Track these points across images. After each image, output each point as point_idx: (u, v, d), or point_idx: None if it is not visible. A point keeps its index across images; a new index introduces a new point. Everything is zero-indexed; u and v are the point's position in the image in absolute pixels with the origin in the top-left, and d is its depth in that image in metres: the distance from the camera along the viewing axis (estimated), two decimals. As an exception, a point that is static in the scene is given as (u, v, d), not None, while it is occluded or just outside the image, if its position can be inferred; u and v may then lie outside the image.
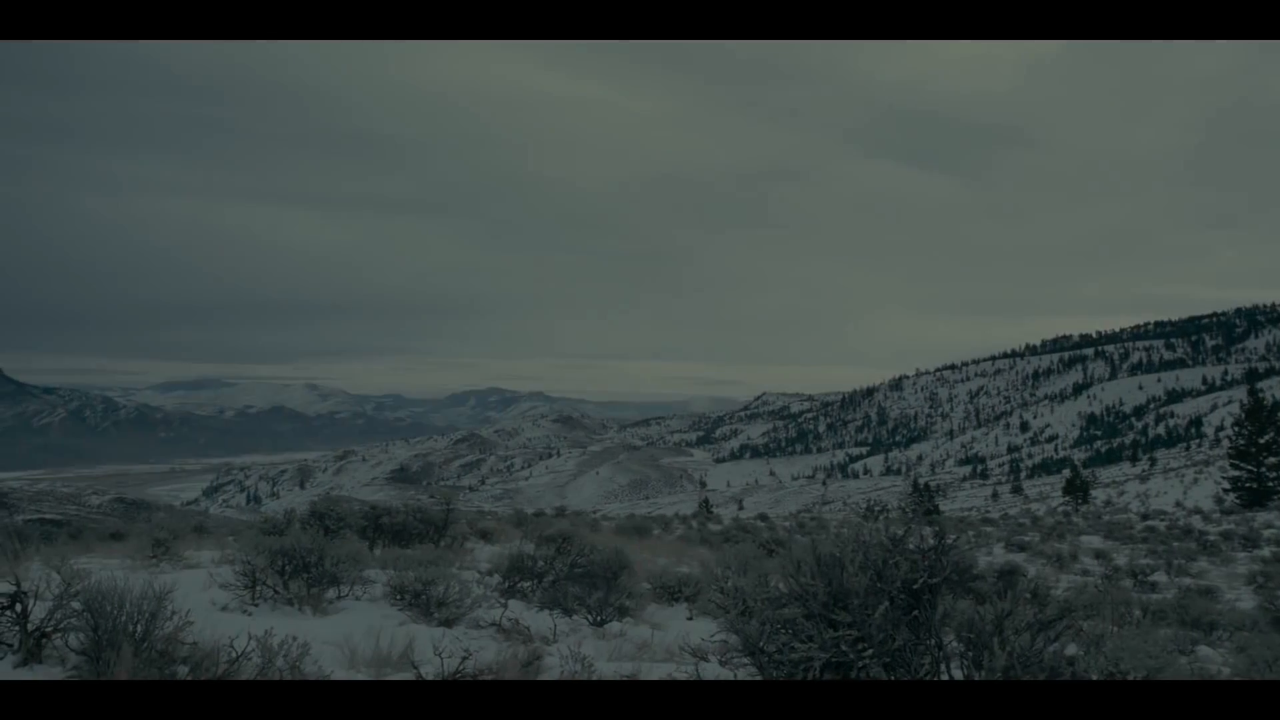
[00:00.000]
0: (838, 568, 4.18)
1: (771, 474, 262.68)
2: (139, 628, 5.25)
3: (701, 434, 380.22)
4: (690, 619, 10.49)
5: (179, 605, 5.90)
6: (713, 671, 6.61)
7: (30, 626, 5.45)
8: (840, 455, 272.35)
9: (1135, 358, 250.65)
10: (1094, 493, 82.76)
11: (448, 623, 8.32)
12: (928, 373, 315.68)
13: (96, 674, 5.09)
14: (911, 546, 4.23)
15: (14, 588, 5.56)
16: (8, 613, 5.49)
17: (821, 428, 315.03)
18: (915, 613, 4.19)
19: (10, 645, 5.40)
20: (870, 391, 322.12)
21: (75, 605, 5.45)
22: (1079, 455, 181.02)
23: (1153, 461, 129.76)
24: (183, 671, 5.31)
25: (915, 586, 4.13)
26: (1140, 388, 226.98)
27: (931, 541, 4.17)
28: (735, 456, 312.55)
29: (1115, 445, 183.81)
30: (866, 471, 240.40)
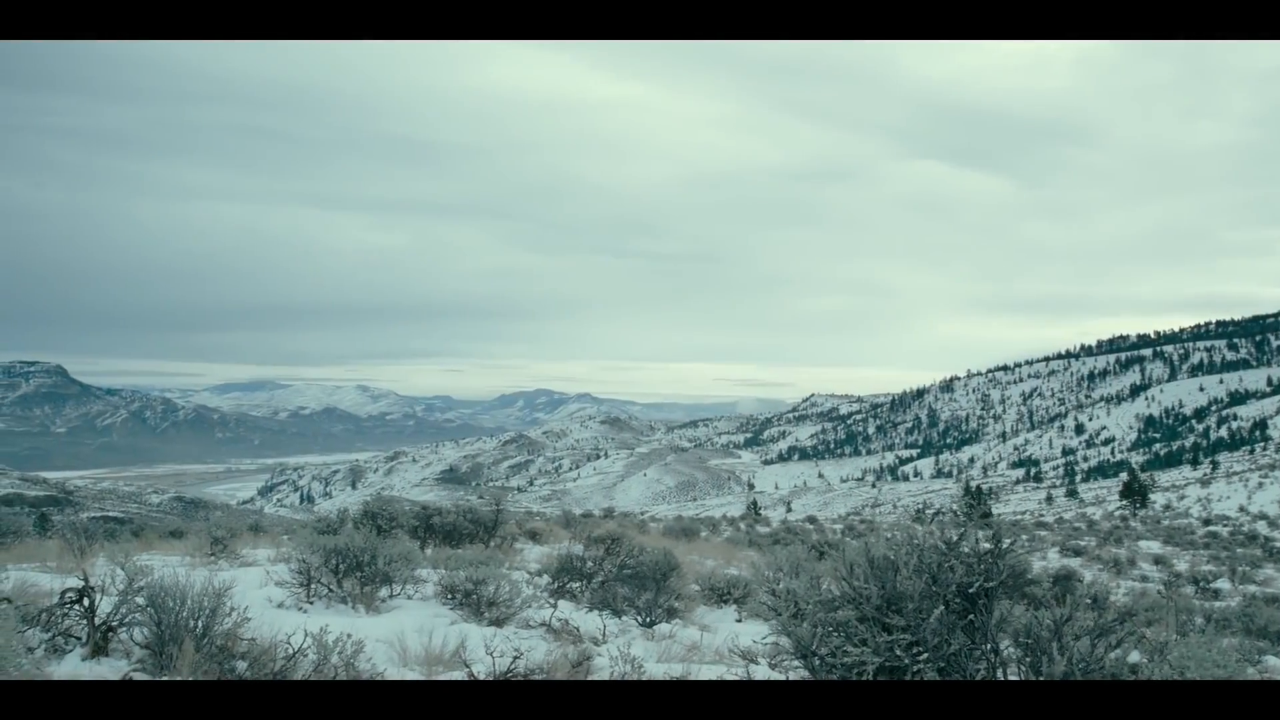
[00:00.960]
0: (891, 570, 4.13)
1: (820, 476, 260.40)
2: (200, 624, 5.38)
3: (749, 436, 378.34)
4: (739, 621, 10.45)
5: (237, 602, 6.03)
6: (763, 675, 6.57)
7: (97, 621, 5.61)
8: (890, 457, 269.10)
9: (1196, 358, 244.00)
10: (1153, 497, 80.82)
11: (498, 622, 8.38)
12: (979, 374, 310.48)
13: (159, 668, 5.22)
14: (966, 549, 4.17)
15: (82, 583, 5.73)
16: (76, 607, 5.65)
17: (871, 430, 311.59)
18: (970, 617, 4.13)
19: (79, 639, 5.56)
20: (920, 393, 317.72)
21: (139, 601, 5.59)
22: (1137, 458, 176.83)
23: (1215, 465, 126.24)
24: (241, 667, 5.42)
25: (971, 590, 4.07)
26: (1201, 389, 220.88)
27: (987, 545, 4.10)
28: (783, 458, 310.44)
29: (1175, 448, 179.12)
30: (917, 474, 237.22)
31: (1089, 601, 13.97)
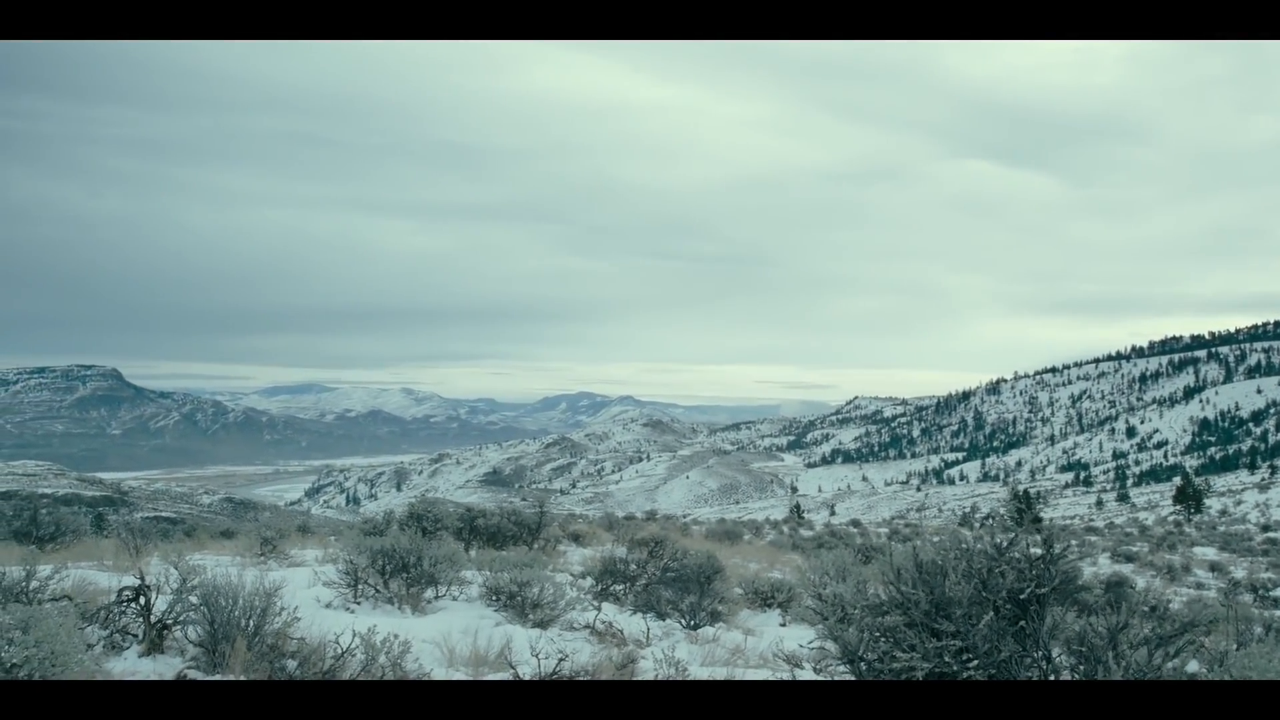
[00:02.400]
0: (940, 575, 4.08)
1: (864, 479, 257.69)
2: (251, 623, 5.47)
3: (792, 439, 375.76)
4: (784, 625, 10.38)
5: (286, 602, 6.13)
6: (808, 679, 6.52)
7: (153, 619, 5.73)
8: (935, 461, 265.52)
9: (1253, 359, 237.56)
10: (1208, 502, 78.84)
11: (542, 624, 8.41)
12: (1027, 376, 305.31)
13: (212, 666, 5.32)
14: (1017, 554, 4.10)
15: (138, 582, 5.85)
16: (133, 605, 5.78)
17: (915, 432, 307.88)
18: (1021, 624, 4.06)
19: (135, 636, 5.68)
20: (966, 395, 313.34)
21: (193, 600, 5.71)
22: (1191, 462, 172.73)
23: (1274, 469, 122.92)
24: (291, 666, 5.50)
25: (1022, 596, 4.00)
26: (1259, 391, 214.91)
27: (1039, 550, 4.03)
28: (827, 461, 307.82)
29: (1231, 452, 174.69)
30: (963, 478, 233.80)
31: (1146, 610, 13.67)
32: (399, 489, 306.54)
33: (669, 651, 7.26)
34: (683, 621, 9.33)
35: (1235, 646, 5.02)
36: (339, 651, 5.57)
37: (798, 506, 76.69)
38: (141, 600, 5.79)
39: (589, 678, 6.07)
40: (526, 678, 5.82)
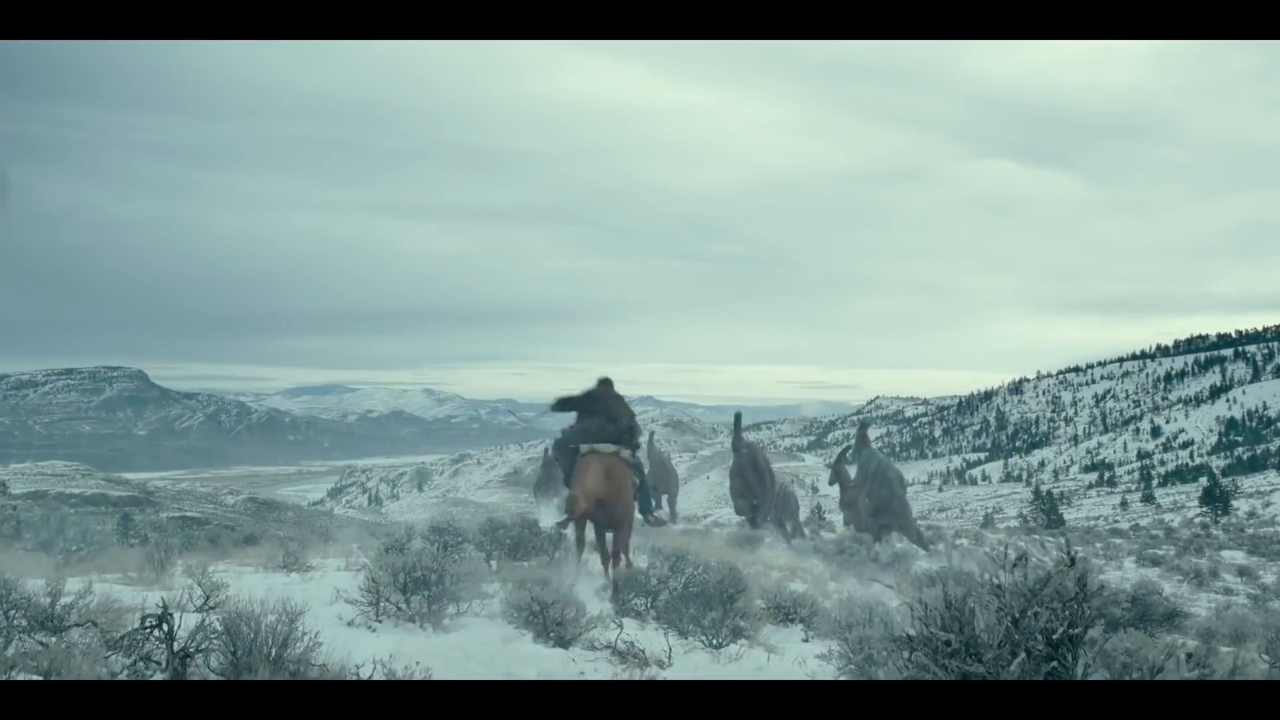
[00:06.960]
0: (970, 614, 4.00)
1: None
2: (273, 650, 5.46)
3: (813, 439, 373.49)
4: (806, 641, 10.30)
5: (308, 619, 6.14)
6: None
7: (175, 646, 5.72)
8: (957, 461, 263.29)
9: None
10: (1235, 503, 77.95)
11: (564, 642, 8.38)
12: (1049, 375, 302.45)
13: (235, 693, 5.30)
14: (1051, 593, 4.01)
15: (161, 608, 5.85)
16: (156, 631, 5.78)
17: (937, 432, 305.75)
18: (1054, 663, 3.98)
19: (158, 664, 5.68)
20: (989, 395, 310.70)
21: (215, 626, 5.70)
22: (1218, 463, 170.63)
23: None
24: (313, 691, 5.48)
25: (1055, 636, 3.92)
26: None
27: (1073, 589, 3.94)
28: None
29: (1259, 452, 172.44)
30: (985, 478, 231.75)
31: (1172, 617, 13.46)
32: (420, 489, 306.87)
33: (691, 671, 7.21)
34: (705, 639, 9.26)
35: (1264, 657, 4.92)
36: (359, 679, 5.55)
37: (818, 508, 76.41)
38: (164, 627, 5.79)
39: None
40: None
